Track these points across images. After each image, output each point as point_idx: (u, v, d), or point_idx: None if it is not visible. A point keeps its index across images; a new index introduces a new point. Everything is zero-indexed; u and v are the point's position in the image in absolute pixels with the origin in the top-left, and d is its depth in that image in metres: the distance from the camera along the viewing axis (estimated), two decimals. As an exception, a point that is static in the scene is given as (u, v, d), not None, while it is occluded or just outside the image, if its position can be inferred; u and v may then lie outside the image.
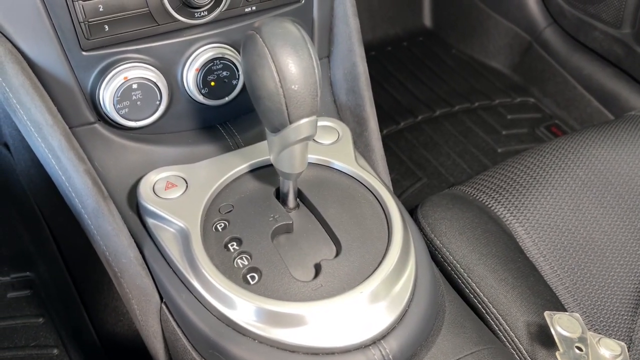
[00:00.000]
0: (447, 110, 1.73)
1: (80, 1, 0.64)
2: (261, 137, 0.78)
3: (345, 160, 0.75)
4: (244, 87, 0.79)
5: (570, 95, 1.68)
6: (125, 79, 0.69)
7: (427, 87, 1.80)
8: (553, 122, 1.70)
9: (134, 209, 0.71)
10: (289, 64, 0.55)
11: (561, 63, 1.69)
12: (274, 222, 0.67)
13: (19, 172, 1.26)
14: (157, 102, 0.73)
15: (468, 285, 0.80)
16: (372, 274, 0.62)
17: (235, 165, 0.73)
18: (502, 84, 1.83)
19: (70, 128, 0.70)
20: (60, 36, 0.66)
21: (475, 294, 0.79)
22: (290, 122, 0.58)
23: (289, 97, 0.56)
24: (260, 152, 0.74)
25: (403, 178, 1.51)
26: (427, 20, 2.05)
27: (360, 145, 0.86)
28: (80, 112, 0.71)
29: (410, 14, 2.04)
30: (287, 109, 0.57)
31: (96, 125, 0.73)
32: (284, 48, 0.55)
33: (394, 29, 2.00)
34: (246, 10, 0.75)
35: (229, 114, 0.82)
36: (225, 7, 0.73)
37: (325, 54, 0.87)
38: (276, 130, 0.60)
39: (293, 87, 0.56)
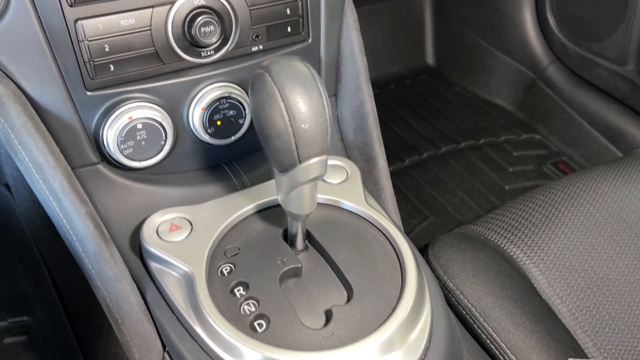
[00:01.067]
0: (453, 147, 1.72)
1: (86, 41, 0.63)
2: (268, 177, 0.76)
3: (355, 200, 0.72)
4: (250, 126, 0.77)
5: (576, 132, 1.67)
6: (130, 119, 0.68)
7: (431, 125, 1.80)
8: (560, 159, 1.68)
9: (136, 253, 0.69)
10: (298, 102, 0.54)
11: (566, 100, 1.69)
12: (282, 265, 0.64)
13: (19, 213, 1.24)
14: (162, 142, 0.71)
15: (484, 330, 0.77)
16: (385, 321, 0.59)
17: (241, 205, 0.70)
18: (507, 121, 1.82)
19: (72, 169, 0.68)
20: (65, 76, 0.65)
21: (493, 340, 0.75)
22: (300, 162, 0.56)
23: (298, 137, 0.54)
24: (267, 192, 0.71)
25: (410, 216, 1.49)
26: (430, 59, 2.06)
27: (369, 184, 0.84)
28: (83, 153, 0.70)
29: (413, 53, 2.05)
30: (296, 149, 0.55)
31: (99, 166, 0.71)
32: (293, 87, 0.54)
33: (397, 68, 2.01)
34: (253, 49, 0.75)
35: (234, 154, 0.80)
36: (232, 46, 0.72)
37: (332, 93, 0.86)
38: (285, 170, 0.58)
39: (303, 126, 0.54)
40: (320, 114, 0.55)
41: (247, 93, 0.75)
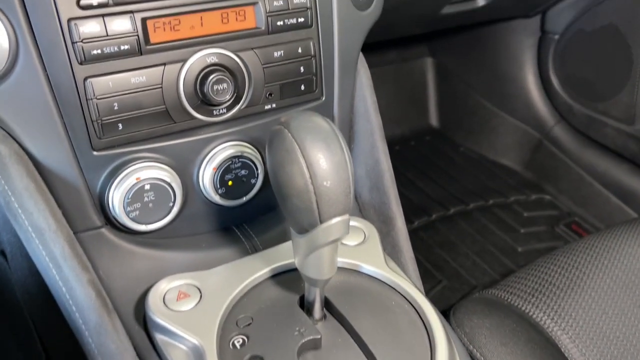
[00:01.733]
0: (462, 208, 1.68)
1: (95, 99, 0.61)
2: (281, 239, 0.71)
3: (375, 263, 0.68)
4: (262, 187, 0.74)
5: (587, 192, 1.64)
6: (138, 180, 0.64)
7: (438, 186, 1.77)
8: (572, 220, 1.64)
9: (141, 324, 0.63)
10: (320, 159, 0.50)
11: (574, 160, 1.67)
12: (299, 336, 0.59)
13: (14, 282, 1.18)
14: (170, 204, 0.67)
15: (519, 405, 0.70)
16: (417, 397, 0.53)
17: (254, 270, 0.66)
18: (515, 182, 1.79)
19: (74, 233, 0.63)
20: (71, 136, 0.62)
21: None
22: (321, 222, 0.52)
23: (320, 195, 0.51)
24: (281, 256, 0.67)
25: (422, 280, 1.43)
26: (433, 120, 2.06)
27: (387, 246, 0.79)
28: (86, 216, 0.66)
29: (416, 114, 2.06)
30: (317, 208, 0.51)
31: (103, 229, 0.67)
32: (314, 142, 0.51)
33: (401, 129, 2.01)
34: (266, 107, 0.72)
35: (245, 215, 0.76)
36: (245, 104, 0.70)
37: (346, 152, 0.84)
38: (304, 231, 0.54)
39: (325, 183, 0.50)
40: (342, 170, 0.51)
41: (259, 152, 0.72)
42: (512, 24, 1.68)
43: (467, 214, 1.67)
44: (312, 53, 0.73)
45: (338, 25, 0.75)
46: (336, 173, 0.51)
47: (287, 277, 0.66)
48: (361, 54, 0.82)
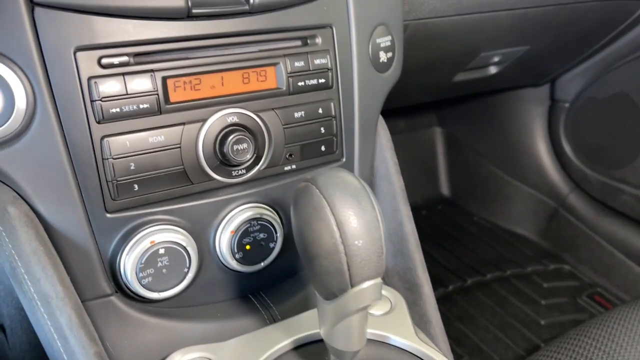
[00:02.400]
0: (479, 279, 1.62)
1: (111, 159, 0.59)
2: (301, 309, 0.67)
3: (404, 335, 0.63)
4: (281, 252, 0.70)
5: (608, 262, 1.59)
6: (152, 243, 0.61)
7: (453, 256, 1.72)
8: (595, 291, 1.57)
9: (150, 402, 0.58)
10: (350, 216, 0.47)
11: (592, 228, 1.63)
12: (326, 417, 0.53)
13: (11, 358, 1.11)
14: (185, 270, 0.63)
15: None
16: None
17: (273, 342, 0.61)
18: (531, 251, 1.74)
19: (82, 302, 0.59)
20: (85, 197, 0.59)
21: None
22: (352, 286, 0.48)
23: (351, 255, 0.47)
24: (303, 325, 0.62)
25: (442, 356, 1.35)
26: (445, 189, 2.04)
27: (414, 316, 0.74)
28: (95, 283, 0.62)
29: (427, 183, 2.04)
30: (348, 270, 0.47)
31: (112, 298, 0.63)
32: (344, 199, 0.47)
33: (412, 198, 1.97)
34: (286, 168, 0.70)
35: (263, 282, 0.72)
36: (265, 165, 0.68)
37: (366, 216, 0.80)
38: (333, 296, 0.50)
39: (356, 242, 0.47)
40: (374, 229, 0.48)
41: (278, 214, 0.69)
42: (521, 93, 1.70)
43: (484, 285, 1.61)
44: (333, 114, 0.72)
45: (358, 86, 0.74)
46: (368, 232, 0.47)
47: (310, 349, 0.61)
48: (380, 117, 0.81)
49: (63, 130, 0.57)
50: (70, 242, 0.59)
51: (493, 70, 1.30)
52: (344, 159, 0.75)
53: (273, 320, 0.68)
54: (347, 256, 0.47)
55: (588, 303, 1.54)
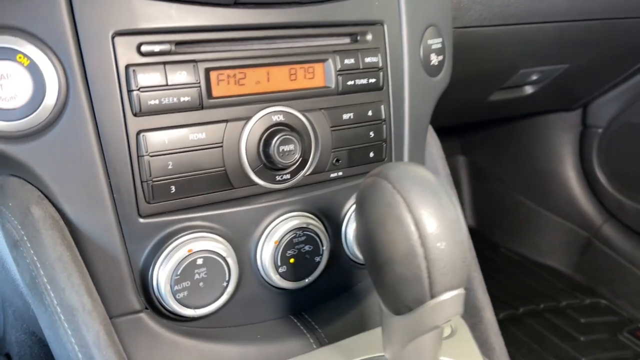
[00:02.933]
0: (511, 313, 1.53)
1: (148, 156, 0.53)
2: (349, 332, 0.59)
3: (472, 361, 0.55)
4: (326, 267, 0.63)
5: (649, 296, 1.50)
6: (190, 252, 0.54)
7: (482, 288, 1.63)
8: (636, 326, 1.48)
9: None
10: (430, 215, 0.41)
11: (629, 260, 1.55)
12: None
13: (17, 390, 1.03)
14: (224, 284, 0.57)
15: None
16: None
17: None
18: (564, 284, 1.65)
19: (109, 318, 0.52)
20: (116, 198, 0.53)
21: None
22: (432, 296, 0.41)
23: (432, 260, 0.40)
24: (359, 349, 0.55)
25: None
26: (469, 219, 1.96)
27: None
28: (124, 297, 0.55)
29: (450, 214, 1.96)
30: (428, 277, 0.41)
31: (142, 314, 0.56)
32: (423, 195, 0.41)
33: (435, 229, 1.91)
34: (332, 175, 0.64)
35: (305, 302, 0.65)
36: (310, 170, 0.62)
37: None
38: (406, 310, 0.43)
39: (439, 245, 0.40)
40: (457, 229, 0.42)
41: (324, 224, 0.62)
42: (549, 118, 1.64)
43: (517, 320, 1.51)
44: (383, 117, 0.66)
45: (409, 89, 0.68)
46: (451, 232, 0.41)
47: None
48: (430, 125, 0.75)
49: (96, 123, 0.51)
50: (98, 249, 0.53)
51: (529, 90, 1.25)
52: (393, 168, 0.68)
53: (319, 344, 0.61)
54: (427, 261, 0.40)
55: (630, 339, 1.44)
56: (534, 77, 1.17)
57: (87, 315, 0.48)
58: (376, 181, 0.43)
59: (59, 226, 0.51)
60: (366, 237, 0.43)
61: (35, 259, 0.50)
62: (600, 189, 1.60)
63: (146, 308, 0.56)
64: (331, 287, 0.66)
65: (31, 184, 0.52)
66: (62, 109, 0.50)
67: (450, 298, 0.41)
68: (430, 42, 0.70)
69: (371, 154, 0.66)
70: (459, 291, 0.42)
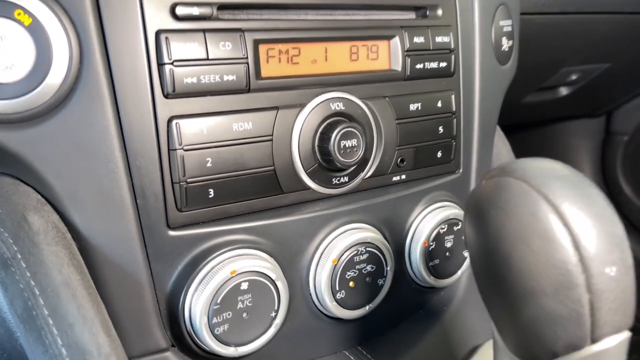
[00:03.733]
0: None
1: (182, 150, 0.41)
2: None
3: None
4: (389, 292, 0.52)
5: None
6: (233, 274, 0.42)
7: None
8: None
9: None
10: (594, 229, 0.30)
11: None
12: None
13: None
14: (272, 314, 0.45)
15: None
16: None
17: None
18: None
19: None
20: (140, 205, 0.41)
21: None
22: (594, 340, 0.30)
23: (598, 291, 0.29)
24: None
25: None
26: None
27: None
28: (145, 332, 0.43)
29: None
30: (591, 314, 0.29)
31: (168, 354, 0.44)
32: (580, 203, 0.30)
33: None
34: (394, 179, 0.53)
35: (362, 333, 0.53)
36: (371, 172, 0.50)
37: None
38: (549, 357, 0.31)
39: (607, 270, 0.29)
40: (625, 249, 0.31)
41: (386, 238, 0.51)
42: (569, 125, 1.56)
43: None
44: (453, 109, 0.55)
45: (480, 77, 0.58)
46: (621, 254, 0.30)
47: None
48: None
49: (117, 105, 0.39)
50: (114, 270, 0.41)
51: (564, 91, 1.15)
52: (460, 171, 0.58)
53: (385, 387, 0.49)
54: (590, 293, 0.29)
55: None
56: (573, 77, 1.08)
57: (104, 361, 0.36)
58: (507, 183, 0.32)
59: (65, 240, 0.38)
60: (493, 258, 0.32)
61: (32, 283, 0.37)
62: (625, 200, 1.51)
63: (172, 346, 0.44)
64: (391, 316, 0.54)
65: (28, 184, 0.40)
66: (72, 86, 0.38)
67: (617, 344, 0.30)
68: (502, 23, 0.60)
69: (439, 154, 0.55)
70: (626, 334, 0.31)
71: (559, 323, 0.30)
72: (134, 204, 0.40)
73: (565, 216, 0.30)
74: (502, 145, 0.64)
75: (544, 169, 0.32)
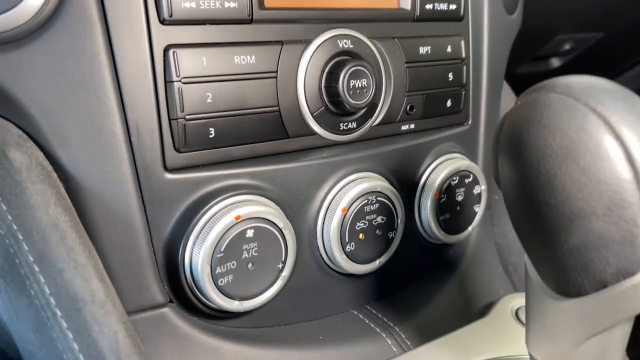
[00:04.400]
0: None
1: (180, 82, 0.37)
2: (434, 331, 0.45)
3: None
4: (399, 247, 0.49)
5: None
6: (238, 219, 0.38)
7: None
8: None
9: None
10: (647, 143, 0.27)
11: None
12: None
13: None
14: (279, 265, 0.41)
15: None
16: None
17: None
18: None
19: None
20: (134, 143, 0.37)
21: None
22: (648, 266, 0.27)
23: (655, 210, 0.26)
24: (478, 348, 0.40)
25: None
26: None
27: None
28: (142, 286, 0.39)
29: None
30: (646, 236, 0.27)
31: (166, 310, 0.40)
32: (633, 118, 0.27)
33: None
34: (403, 128, 0.50)
35: (370, 292, 0.50)
36: (379, 119, 0.47)
37: (488, 205, 0.60)
38: (595, 287, 0.29)
39: (665, 187, 0.27)
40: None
41: (396, 187, 0.48)
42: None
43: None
44: (463, 56, 0.52)
45: (489, 24, 0.55)
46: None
47: None
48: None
49: (108, 31, 0.35)
50: (104, 216, 0.37)
51: (556, 63, 1.14)
52: (469, 122, 0.55)
53: (400, 346, 0.46)
54: (646, 212, 0.27)
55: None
56: (567, 47, 1.06)
57: (99, 309, 0.32)
58: (549, 98, 0.29)
59: (51, 179, 0.34)
60: (534, 183, 0.29)
61: (14, 227, 0.33)
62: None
63: (170, 302, 0.40)
64: (400, 275, 0.51)
65: (8, 119, 0.36)
66: (57, 6, 0.34)
67: (673, 268, 0.28)
68: (509, -32, 0.57)
69: (448, 103, 0.52)
70: (682, 259, 0.28)
71: (609, 247, 0.27)
72: (128, 142, 0.36)
73: (617, 130, 0.27)
74: (509, 100, 0.61)
75: (588, 83, 0.29)
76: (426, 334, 0.46)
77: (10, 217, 0.33)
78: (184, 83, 0.37)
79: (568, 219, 0.28)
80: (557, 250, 0.29)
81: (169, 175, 0.38)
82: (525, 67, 1.11)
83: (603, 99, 0.28)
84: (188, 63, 0.37)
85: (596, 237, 0.28)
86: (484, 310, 0.49)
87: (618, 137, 0.27)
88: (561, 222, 0.28)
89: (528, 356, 0.40)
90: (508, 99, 0.61)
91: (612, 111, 0.27)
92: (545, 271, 0.31)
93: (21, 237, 0.33)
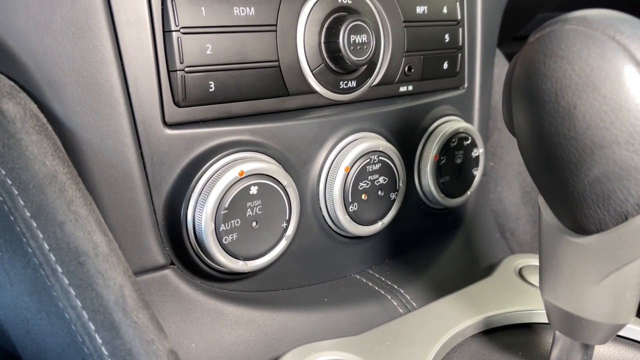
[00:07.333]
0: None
1: (179, 32, 0.36)
2: (434, 294, 0.45)
3: None
4: (401, 208, 0.48)
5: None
6: (242, 175, 0.37)
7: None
8: None
9: None
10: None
11: None
12: None
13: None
14: (284, 224, 0.40)
15: None
16: None
17: (441, 329, 0.38)
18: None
19: (124, 275, 0.34)
20: (132, 96, 0.35)
21: None
22: (671, 195, 0.27)
23: (676, 137, 0.26)
24: (486, 302, 0.40)
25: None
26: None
27: None
28: (142, 247, 0.37)
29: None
30: (670, 165, 0.26)
31: (167, 272, 0.38)
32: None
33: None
34: (401, 89, 0.49)
35: (371, 256, 0.49)
36: (378, 79, 0.47)
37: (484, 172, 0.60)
38: (614, 221, 0.28)
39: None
40: None
41: (396, 147, 0.47)
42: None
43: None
44: (458, 17, 0.52)
45: (482, -14, 0.55)
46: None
47: (505, 336, 0.39)
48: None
49: (102, -25, 0.33)
50: (102, 173, 0.35)
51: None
52: (465, 86, 0.54)
53: (406, 307, 0.45)
54: (668, 138, 0.26)
55: None
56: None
57: (103, 262, 0.30)
58: (566, 30, 0.29)
59: (47, 131, 0.32)
60: (552, 117, 0.29)
61: (8, 182, 0.31)
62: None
63: (172, 263, 0.39)
64: (401, 239, 0.51)
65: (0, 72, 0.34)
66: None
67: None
68: None
69: (445, 65, 0.52)
70: None
71: (632, 176, 0.27)
72: (126, 94, 0.35)
73: (638, 56, 0.27)
74: (502, 66, 0.61)
75: (604, 13, 0.29)
76: (431, 295, 0.45)
77: (3, 172, 0.31)
78: (183, 33, 0.36)
79: (589, 150, 0.28)
80: (577, 185, 0.29)
81: (168, 131, 0.37)
82: (506, 48, 1.12)
83: (621, 28, 0.28)
84: (187, 12, 0.36)
85: (618, 166, 0.27)
86: (486, 271, 0.49)
87: (639, 64, 0.27)
88: (582, 154, 0.28)
89: (535, 311, 0.40)
90: (501, 65, 0.61)
91: (632, 38, 0.27)
92: (562, 210, 0.31)
93: (16, 192, 0.31)
